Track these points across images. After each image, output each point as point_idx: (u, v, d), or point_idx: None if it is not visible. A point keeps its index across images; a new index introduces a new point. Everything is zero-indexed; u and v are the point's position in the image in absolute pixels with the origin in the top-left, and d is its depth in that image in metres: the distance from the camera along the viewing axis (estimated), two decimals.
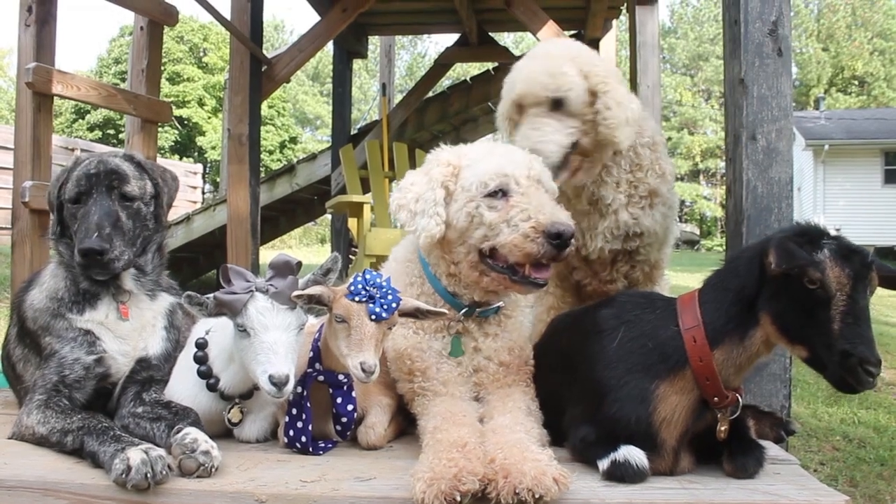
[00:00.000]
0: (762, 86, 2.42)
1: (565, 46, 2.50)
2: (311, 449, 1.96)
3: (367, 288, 1.83)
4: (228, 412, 2.05)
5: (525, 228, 1.88)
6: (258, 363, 1.83)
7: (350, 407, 1.96)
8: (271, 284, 1.91)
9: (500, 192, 1.96)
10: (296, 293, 1.88)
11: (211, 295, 1.90)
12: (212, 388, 2.03)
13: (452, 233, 2.03)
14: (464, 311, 2.10)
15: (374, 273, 1.88)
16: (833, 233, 1.64)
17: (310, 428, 1.96)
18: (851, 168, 22.20)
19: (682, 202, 37.52)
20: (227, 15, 5.10)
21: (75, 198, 2.13)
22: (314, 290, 1.88)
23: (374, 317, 1.81)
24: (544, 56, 2.43)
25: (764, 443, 1.97)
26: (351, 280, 1.86)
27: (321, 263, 2.06)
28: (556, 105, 2.33)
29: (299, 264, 2.00)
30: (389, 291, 1.85)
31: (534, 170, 2.05)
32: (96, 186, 2.12)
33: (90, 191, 2.12)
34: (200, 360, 2.05)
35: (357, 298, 1.83)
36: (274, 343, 1.83)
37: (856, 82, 38.90)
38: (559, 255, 1.89)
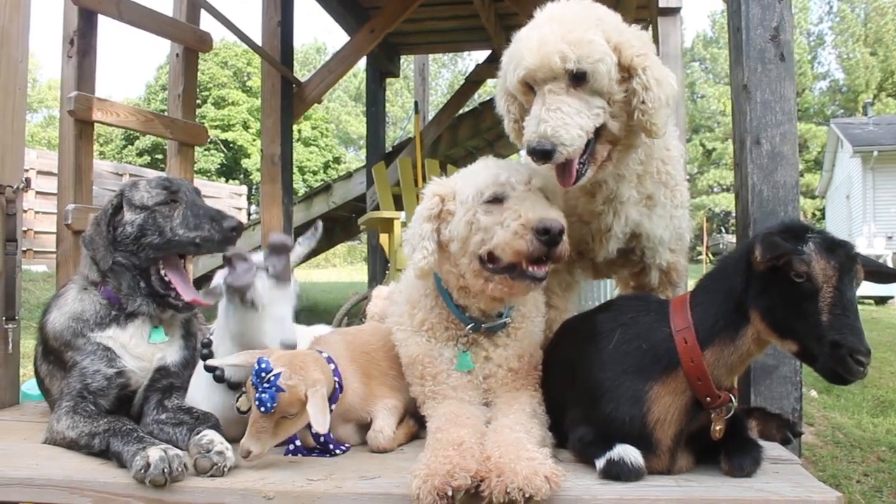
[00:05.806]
0: (765, 91, 2.43)
1: (583, 7, 2.06)
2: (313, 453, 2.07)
3: (259, 375, 1.84)
4: (237, 401, 2.12)
5: (514, 227, 1.91)
6: (265, 333, 2.02)
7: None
8: (270, 263, 2.08)
9: (497, 199, 2.00)
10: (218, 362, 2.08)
11: (220, 281, 2.09)
12: (218, 379, 2.16)
13: (455, 246, 2.07)
14: (470, 325, 2.16)
15: (269, 364, 1.85)
16: (818, 228, 1.66)
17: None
18: None
19: (728, 213, 36.82)
20: (258, 40, 5.30)
21: (167, 199, 2.28)
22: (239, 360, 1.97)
23: (258, 404, 1.82)
24: (560, 20, 1.99)
25: (767, 444, 1.98)
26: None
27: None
28: (578, 80, 1.95)
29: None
30: (269, 387, 1.80)
31: (535, 179, 2.07)
32: (184, 190, 2.32)
33: (179, 190, 2.31)
34: (206, 356, 2.20)
35: (252, 381, 1.85)
36: (282, 315, 2.05)
37: None
38: (551, 251, 1.90)
